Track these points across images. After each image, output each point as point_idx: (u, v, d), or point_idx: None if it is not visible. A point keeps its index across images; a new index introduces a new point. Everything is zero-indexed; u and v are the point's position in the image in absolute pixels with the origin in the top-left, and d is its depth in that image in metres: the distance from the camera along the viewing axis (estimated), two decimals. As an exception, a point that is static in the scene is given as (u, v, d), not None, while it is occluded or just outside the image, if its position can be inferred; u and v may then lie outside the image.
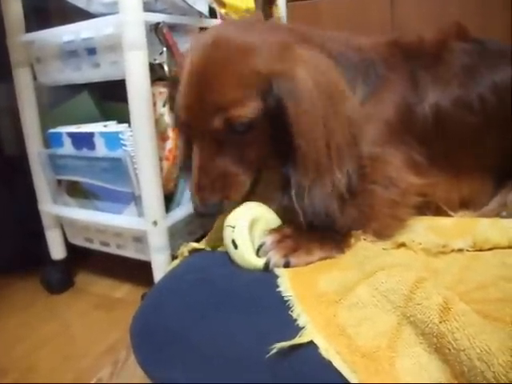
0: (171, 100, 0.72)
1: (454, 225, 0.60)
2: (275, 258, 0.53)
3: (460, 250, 0.54)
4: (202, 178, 0.56)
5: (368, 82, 0.63)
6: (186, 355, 0.48)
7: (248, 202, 0.57)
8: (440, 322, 0.38)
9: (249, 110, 0.53)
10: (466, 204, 0.67)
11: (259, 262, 0.53)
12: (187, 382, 0.47)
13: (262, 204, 0.58)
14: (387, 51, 0.68)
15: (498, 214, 0.64)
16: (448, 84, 0.65)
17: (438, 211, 0.64)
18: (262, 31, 0.58)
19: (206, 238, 0.63)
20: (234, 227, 0.54)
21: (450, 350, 0.37)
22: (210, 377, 0.46)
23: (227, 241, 0.55)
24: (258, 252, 0.54)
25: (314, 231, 0.55)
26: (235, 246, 0.53)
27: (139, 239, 0.88)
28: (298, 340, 0.41)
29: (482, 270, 0.50)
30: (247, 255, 0.53)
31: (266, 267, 0.52)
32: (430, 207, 0.63)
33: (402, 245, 0.56)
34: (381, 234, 0.56)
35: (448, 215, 0.64)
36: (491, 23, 1.11)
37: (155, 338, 0.51)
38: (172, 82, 0.68)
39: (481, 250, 0.55)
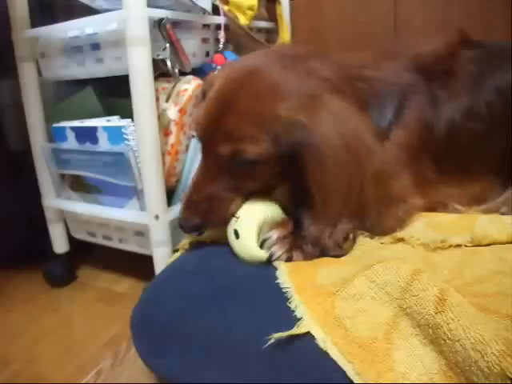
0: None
1: (452, 221, 0.60)
2: (279, 252, 0.54)
3: (458, 246, 0.54)
4: (192, 196, 0.58)
5: (384, 114, 0.64)
6: (184, 346, 0.49)
7: (257, 200, 0.58)
8: (436, 313, 0.39)
9: (258, 149, 0.53)
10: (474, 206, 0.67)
11: (260, 254, 0.53)
12: (185, 373, 0.48)
13: (271, 203, 0.58)
14: (409, 77, 0.67)
15: (498, 210, 0.64)
16: (459, 96, 0.66)
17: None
18: (298, 73, 0.57)
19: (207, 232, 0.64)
20: (237, 217, 0.55)
21: (445, 340, 0.38)
22: (208, 367, 0.46)
23: (229, 229, 0.55)
24: (261, 245, 0.54)
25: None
26: (237, 236, 0.54)
27: (141, 233, 0.89)
28: (295, 331, 0.42)
29: (479, 264, 0.50)
30: (249, 245, 0.53)
31: (269, 260, 0.53)
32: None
33: (401, 240, 0.57)
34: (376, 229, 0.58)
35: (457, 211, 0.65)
36: (493, 23, 1.11)
37: (155, 330, 0.52)
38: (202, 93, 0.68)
39: (479, 246, 0.55)
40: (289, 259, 0.54)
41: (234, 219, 0.56)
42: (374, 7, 1.29)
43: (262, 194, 0.59)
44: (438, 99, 0.66)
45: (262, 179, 0.58)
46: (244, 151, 0.53)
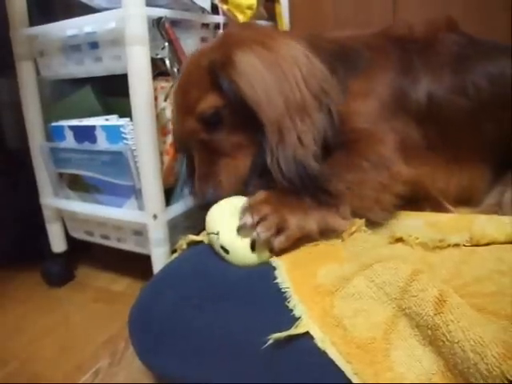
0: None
1: (451, 220, 0.60)
2: (262, 236, 0.48)
3: (457, 245, 0.54)
4: (201, 175, 0.62)
5: (349, 65, 0.66)
6: (182, 346, 0.49)
7: (219, 202, 0.57)
8: (435, 315, 0.39)
9: (208, 102, 0.59)
10: (463, 196, 0.67)
11: (253, 259, 0.52)
12: (183, 372, 0.48)
13: (235, 196, 0.58)
14: (372, 40, 0.70)
15: (494, 213, 0.64)
16: (440, 72, 0.66)
17: (437, 206, 0.64)
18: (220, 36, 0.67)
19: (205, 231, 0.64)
20: (217, 234, 0.53)
21: (444, 342, 0.37)
22: (205, 367, 0.46)
23: (217, 248, 0.54)
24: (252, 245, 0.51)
25: (300, 195, 0.53)
26: (226, 251, 0.52)
27: (139, 233, 0.89)
28: (293, 331, 0.42)
29: (478, 264, 0.50)
30: (241, 256, 0.52)
31: (253, 246, 0.50)
32: (427, 198, 0.63)
33: (400, 240, 0.57)
34: (360, 215, 0.55)
35: (448, 211, 0.65)
36: (493, 24, 1.11)
37: (152, 329, 0.52)
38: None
39: (478, 245, 0.55)
40: (280, 230, 0.50)
41: (214, 237, 0.53)
42: (373, 7, 1.29)
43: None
44: (411, 64, 0.67)
45: (240, 132, 0.61)
46: (202, 112, 0.59)
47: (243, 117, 0.58)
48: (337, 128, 0.59)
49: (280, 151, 0.55)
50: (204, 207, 0.58)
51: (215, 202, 0.57)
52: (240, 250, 0.51)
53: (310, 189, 0.54)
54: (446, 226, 0.58)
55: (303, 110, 0.57)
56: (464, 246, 0.54)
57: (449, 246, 0.54)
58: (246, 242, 0.50)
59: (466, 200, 0.67)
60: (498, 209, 0.64)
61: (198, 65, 0.61)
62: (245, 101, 0.56)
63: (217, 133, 0.61)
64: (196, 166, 0.63)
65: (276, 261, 0.52)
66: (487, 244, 0.55)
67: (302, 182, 0.54)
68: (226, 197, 0.57)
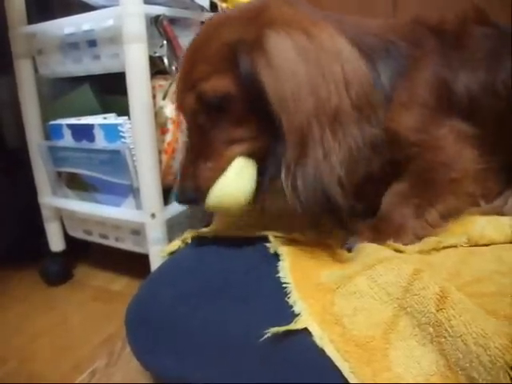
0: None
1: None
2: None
3: (454, 246, 0.54)
4: (186, 166, 0.52)
5: (392, 65, 0.57)
6: (178, 343, 0.48)
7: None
8: (437, 311, 0.39)
9: (217, 84, 0.48)
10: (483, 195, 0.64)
11: None
12: (179, 370, 0.47)
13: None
14: (407, 30, 0.63)
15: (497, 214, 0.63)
16: (475, 68, 0.61)
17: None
18: (247, 7, 0.53)
19: (211, 226, 0.63)
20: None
21: (446, 338, 0.37)
22: (201, 364, 0.46)
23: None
24: None
25: None
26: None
27: (137, 232, 0.88)
28: (292, 326, 0.41)
29: (477, 264, 0.50)
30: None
31: None
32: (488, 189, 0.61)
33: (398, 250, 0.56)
34: (449, 215, 0.56)
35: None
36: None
37: (149, 327, 0.52)
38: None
39: (477, 246, 0.55)
40: None
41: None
42: (373, 7, 1.29)
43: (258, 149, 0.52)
44: (451, 60, 0.60)
45: (244, 125, 0.51)
46: (204, 92, 0.49)
47: (257, 113, 0.49)
48: (380, 146, 0.50)
49: (299, 167, 0.46)
50: (183, 203, 0.52)
51: (195, 202, 0.51)
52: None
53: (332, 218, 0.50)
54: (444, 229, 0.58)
55: (337, 120, 0.47)
56: (462, 246, 0.54)
57: (445, 247, 0.53)
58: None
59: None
60: (500, 210, 0.63)
61: (219, 35, 0.50)
62: (265, 95, 0.46)
63: (218, 120, 0.51)
64: (185, 151, 0.54)
65: (282, 253, 0.51)
66: (487, 245, 0.54)
67: (321, 210, 0.48)
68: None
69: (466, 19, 0.66)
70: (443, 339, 0.37)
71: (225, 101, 0.49)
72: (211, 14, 0.97)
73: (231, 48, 0.48)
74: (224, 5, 1.03)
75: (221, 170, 0.50)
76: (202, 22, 0.97)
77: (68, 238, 1.04)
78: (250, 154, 0.52)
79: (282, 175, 0.47)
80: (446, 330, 0.37)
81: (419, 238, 0.55)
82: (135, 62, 0.75)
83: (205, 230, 0.61)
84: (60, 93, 1.01)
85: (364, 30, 0.59)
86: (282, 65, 0.46)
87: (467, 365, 0.35)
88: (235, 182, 0.50)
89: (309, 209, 0.47)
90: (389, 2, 1.27)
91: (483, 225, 0.55)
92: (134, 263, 0.94)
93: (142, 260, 0.85)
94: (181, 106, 0.54)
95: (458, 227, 0.57)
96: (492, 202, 0.63)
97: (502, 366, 0.32)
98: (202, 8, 0.93)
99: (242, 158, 0.51)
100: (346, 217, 0.49)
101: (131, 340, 0.54)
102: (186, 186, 0.51)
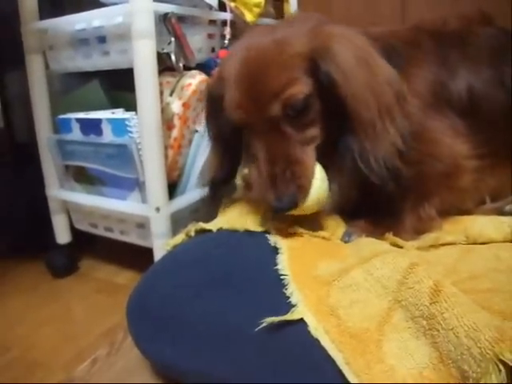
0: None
1: (446, 223, 0.60)
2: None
3: (453, 244, 0.54)
4: (273, 171, 0.55)
5: (393, 64, 0.62)
6: (177, 332, 0.49)
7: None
8: (430, 304, 0.39)
9: (301, 87, 0.55)
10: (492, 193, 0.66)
11: None
12: (178, 358, 0.48)
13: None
14: (407, 34, 0.69)
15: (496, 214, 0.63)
16: (478, 65, 0.66)
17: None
18: (287, 25, 0.61)
19: (216, 219, 0.64)
20: None
21: (438, 330, 0.38)
22: (198, 353, 0.47)
23: None
24: None
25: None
26: None
27: (142, 225, 0.89)
28: (288, 316, 0.42)
29: (475, 261, 0.50)
30: None
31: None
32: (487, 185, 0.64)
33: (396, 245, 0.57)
34: (444, 210, 0.59)
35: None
36: (504, 23, 1.11)
37: (150, 316, 0.53)
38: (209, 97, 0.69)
39: (475, 244, 0.55)
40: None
41: None
42: (381, 6, 1.29)
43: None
44: (448, 57, 0.66)
45: (319, 124, 0.58)
46: (292, 96, 0.55)
47: (327, 111, 0.57)
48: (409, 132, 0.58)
49: (371, 149, 0.55)
50: (282, 211, 0.55)
51: (295, 207, 0.54)
52: None
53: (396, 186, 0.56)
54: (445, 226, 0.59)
55: (390, 113, 0.56)
56: (461, 244, 0.54)
57: (443, 244, 0.54)
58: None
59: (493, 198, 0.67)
60: (501, 210, 0.64)
61: (287, 48, 0.56)
62: (338, 94, 0.55)
63: (299, 123, 0.57)
64: (263, 157, 0.57)
65: (282, 247, 0.52)
66: (486, 243, 0.55)
67: (388, 177, 0.55)
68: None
69: (471, 20, 0.68)
70: (436, 332, 0.38)
71: (307, 102, 0.56)
72: (219, 12, 0.98)
73: (305, 56, 0.56)
74: (232, 4, 1.04)
75: (313, 171, 0.57)
76: (211, 21, 0.99)
77: (74, 231, 1.06)
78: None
79: (357, 157, 0.56)
80: (439, 322, 0.38)
81: (417, 233, 0.57)
82: (143, 58, 0.76)
83: (208, 223, 0.62)
84: (70, 88, 1.02)
85: (375, 37, 0.65)
86: (348, 68, 0.55)
87: (458, 357, 0.36)
88: (323, 182, 0.57)
89: (381, 177, 0.55)
90: (397, 11, 1.27)
91: (483, 223, 0.56)
92: (138, 257, 0.95)
93: (147, 253, 0.85)
94: (257, 120, 0.57)
95: (458, 225, 0.57)
96: (492, 200, 0.63)
97: (491, 359, 0.33)
98: (210, 6, 0.94)
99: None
100: (402, 181, 0.56)
101: (132, 328, 0.55)
102: (284, 192, 0.54)
